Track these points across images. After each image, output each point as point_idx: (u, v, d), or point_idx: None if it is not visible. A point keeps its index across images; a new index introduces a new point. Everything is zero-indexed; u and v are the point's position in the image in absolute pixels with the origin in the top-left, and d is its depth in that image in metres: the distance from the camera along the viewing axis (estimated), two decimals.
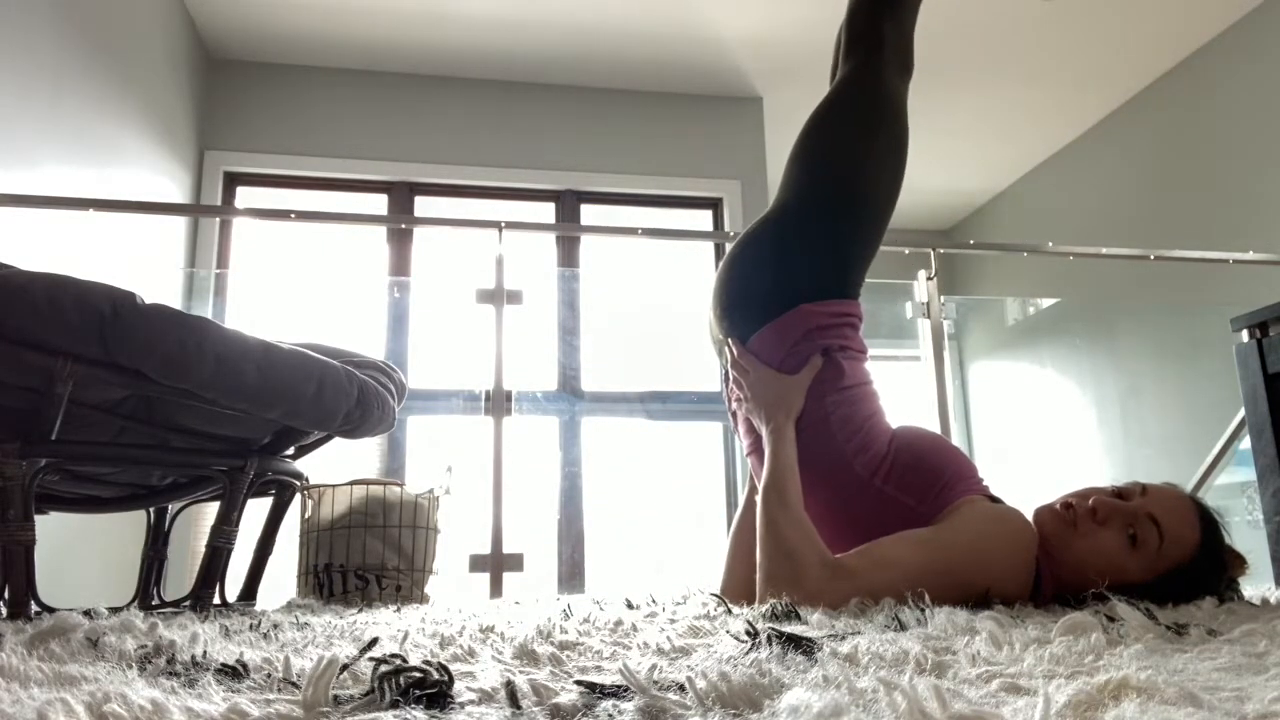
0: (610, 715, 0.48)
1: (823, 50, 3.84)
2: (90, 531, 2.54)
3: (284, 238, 3.92)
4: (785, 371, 1.35)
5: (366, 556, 1.92)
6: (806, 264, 1.38)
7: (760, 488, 1.27)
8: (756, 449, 1.43)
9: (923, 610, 0.93)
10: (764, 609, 1.01)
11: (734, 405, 1.47)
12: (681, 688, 0.52)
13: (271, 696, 0.53)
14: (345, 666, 0.58)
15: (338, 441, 1.80)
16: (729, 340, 1.43)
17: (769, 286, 1.39)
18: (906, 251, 2.77)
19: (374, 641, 0.78)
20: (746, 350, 1.39)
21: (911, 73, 1.56)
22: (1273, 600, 1.23)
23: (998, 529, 1.20)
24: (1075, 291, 4.48)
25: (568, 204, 4.07)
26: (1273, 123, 3.36)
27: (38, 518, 1.35)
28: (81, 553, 2.51)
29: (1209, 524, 1.21)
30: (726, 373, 1.49)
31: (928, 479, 1.29)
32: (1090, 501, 1.21)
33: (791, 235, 1.40)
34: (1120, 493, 1.23)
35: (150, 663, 0.69)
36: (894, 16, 1.53)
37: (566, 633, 0.89)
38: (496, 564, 2.20)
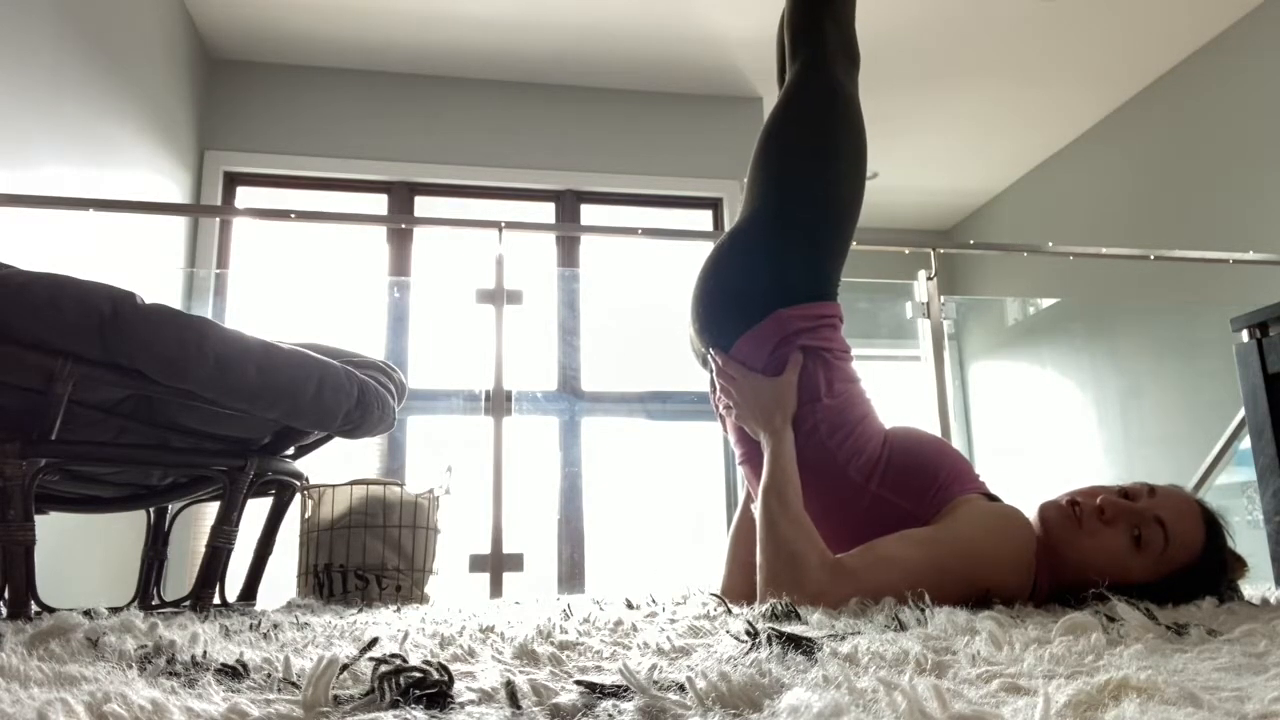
0: (610, 715, 0.48)
1: None
2: (90, 531, 2.54)
3: (284, 238, 3.92)
4: (770, 375, 1.35)
5: (366, 556, 1.92)
6: (780, 270, 1.38)
7: (760, 489, 1.27)
8: (750, 459, 1.42)
9: (923, 610, 0.93)
10: (764, 609, 1.01)
11: (722, 410, 1.47)
12: (681, 688, 0.52)
13: (271, 696, 0.53)
14: (345, 666, 0.58)
15: (338, 441, 1.80)
16: (711, 351, 1.42)
17: (744, 296, 1.38)
18: (906, 251, 2.77)
19: (374, 641, 0.78)
20: (731, 359, 1.39)
21: (859, 64, 1.56)
22: (1273, 600, 1.23)
23: (997, 526, 1.20)
24: (1075, 291, 4.48)
25: (568, 204, 4.07)
26: (1273, 123, 3.36)
27: (38, 518, 1.35)
28: (81, 553, 2.51)
29: (1214, 528, 1.21)
30: (714, 382, 1.49)
31: (923, 480, 1.29)
32: (1097, 500, 1.21)
33: (763, 244, 1.39)
34: (1127, 493, 1.23)
35: (150, 663, 0.69)
36: (832, 12, 1.53)
37: (566, 633, 0.89)
38: (496, 564, 2.20)
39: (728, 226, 4.05)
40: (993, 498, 1.30)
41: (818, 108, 1.45)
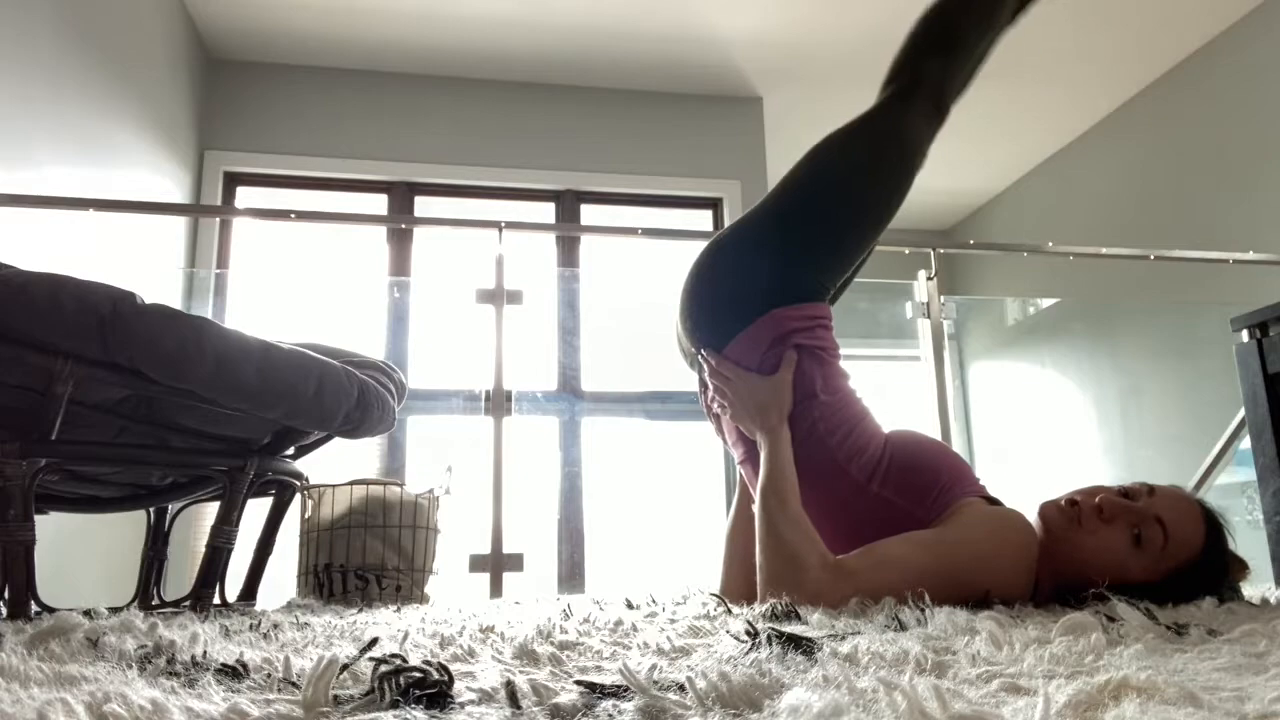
0: (610, 715, 0.48)
1: (823, 50, 3.84)
2: (90, 531, 2.54)
3: (284, 238, 3.92)
4: (763, 374, 1.33)
5: (366, 556, 1.92)
6: (781, 271, 1.36)
7: (758, 488, 1.26)
8: (749, 459, 1.41)
9: (923, 610, 0.93)
10: (764, 609, 1.01)
11: (716, 409, 1.46)
12: (681, 688, 0.52)
13: (271, 696, 0.53)
14: (345, 666, 0.58)
15: (338, 441, 1.80)
16: (702, 352, 1.40)
17: (741, 295, 1.37)
18: (906, 251, 2.77)
19: (374, 641, 0.78)
20: (724, 359, 1.37)
21: (943, 120, 1.51)
22: (1273, 600, 1.23)
23: (999, 530, 1.20)
24: (1075, 291, 4.48)
25: (568, 204, 4.07)
26: (1273, 122, 3.36)
27: (38, 518, 1.35)
28: (81, 553, 2.51)
29: (1214, 528, 1.21)
30: (704, 383, 1.48)
31: (924, 481, 1.29)
32: (1097, 499, 1.21)
33: (767, 244, 1.38)
34: (1127, 492, 1.23)
35: (150, 663, 0.69)
36: (943, 60, 1.49)
37: (566, 633, 0.89)
38: (496, 564, 2.20)
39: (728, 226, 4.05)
40: (993, 501, 1.30)
41: (877, 142, 1.43)
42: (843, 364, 1.40)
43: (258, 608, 1.64)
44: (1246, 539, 1.37)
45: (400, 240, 3.92)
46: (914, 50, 1.51)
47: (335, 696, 0.51)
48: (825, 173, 1.41)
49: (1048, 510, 1.25)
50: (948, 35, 1.50)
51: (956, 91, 1.54)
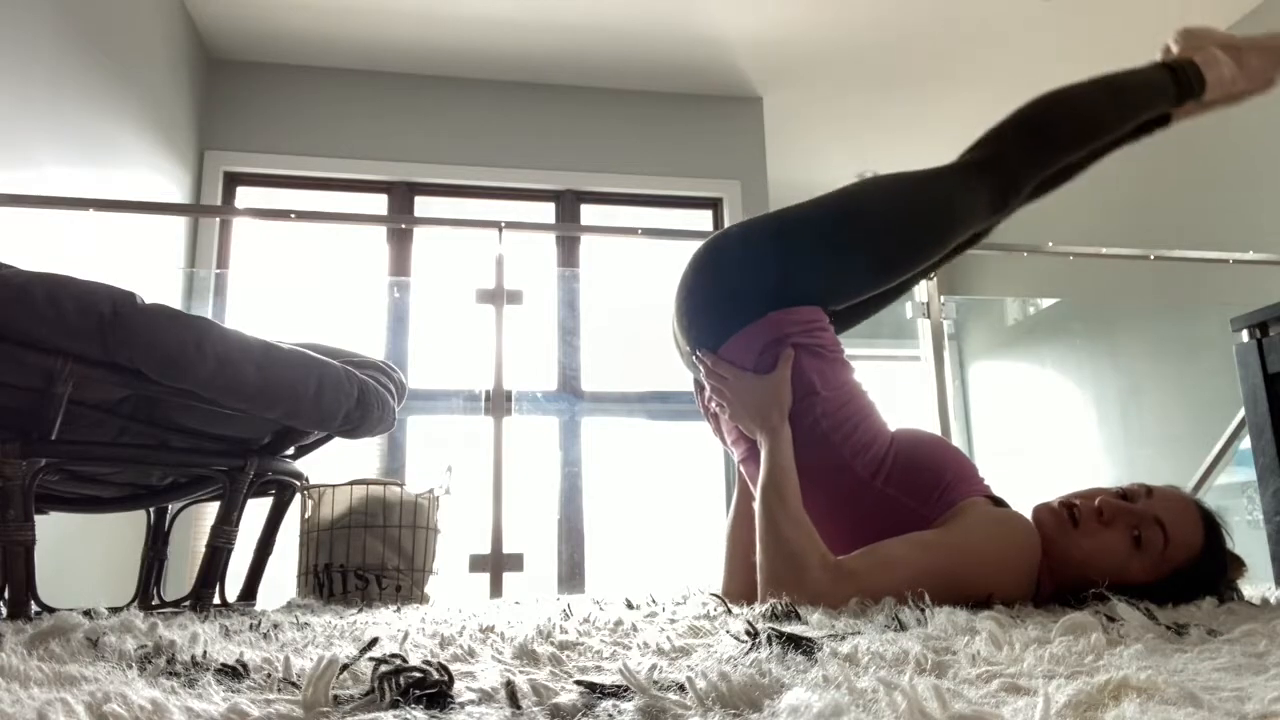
0: (610, 715, 0.48)
1: (823, 50, 3.84)
2: (90, 531, 2.54)
3: (284, 238, 3.92)
4: (760, 373, 1.32)
5: (366, 556, 1.92)
6: (778, 271, 1.34)
7: (758, 487, 1.26)
8: (750, 457, 1.40)
9: (923, 610, 0.93)
10: (764, 609, 1.01)
11: (714, 409, 1.45)
12: (681, 688, 0.52)
13: (271, 696, 0.53)
14: (345, 666, 0.58)
15: (338, 441, 1.80)
16: (698, 352, 1.39)
17: (736, 292, 1.35)
18: None
19: (374, 641, 0.78)
20: (720, 359, 1.36)
21: (1007, 213, 1.46)
22: (1273, 600, 1.24)
23: (1002, 532, 1.20)
24: (1075, 291, 4.48)
25: (568, 204, 4.07)
26: (1273, 122, 3.36)
27: (38, 518, 1.35)
28: (81, 553, 2.51)
29: (1212, 528, 1.22)
30: (699, 383, 1.47)
31: (929, 479, 1.28)
32: (1096, 501, 1.21)
33: (767, 244, 1.36)
34: (1125, 494, 1.23)
35: (150, 663, 0.69)
36: (1028, 162, 1.45)
37: (566, 633, 0.89)
38: (496, 564, 2.20)
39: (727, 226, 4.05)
40: (998, 501, 1.29)
41: (925, 201, 1.40)
42: (847, 362, 1.39)
43: (258, 608, 1.64)
44: (1246, 539, 1.37)
45: (400, 240, 3.92)
46: (1007, 134, 1.46)
47: (335, 696, 0.51)
48: (853, 205, 1.39)
49: (1040, 513, 1.25)
50: (1044, 138, 1.46)
51: (1032, 194, 1.50)
